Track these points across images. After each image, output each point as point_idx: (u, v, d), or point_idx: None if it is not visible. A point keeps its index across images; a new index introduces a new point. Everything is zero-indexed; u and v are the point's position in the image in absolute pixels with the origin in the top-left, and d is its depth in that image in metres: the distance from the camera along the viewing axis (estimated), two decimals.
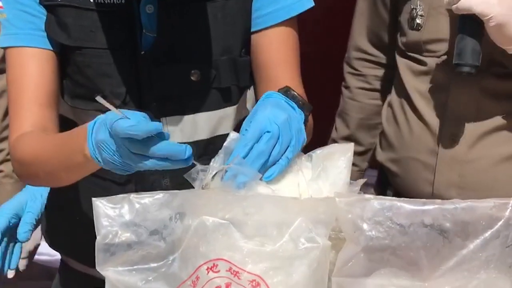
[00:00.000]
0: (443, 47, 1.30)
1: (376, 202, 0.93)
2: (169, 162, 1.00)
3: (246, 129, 1.06)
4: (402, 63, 1.38)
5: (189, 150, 1.00)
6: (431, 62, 1.33)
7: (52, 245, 1.45)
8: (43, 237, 1.52)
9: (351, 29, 1.57)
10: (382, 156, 1.44)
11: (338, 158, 1.07)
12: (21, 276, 1.61)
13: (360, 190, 1.05)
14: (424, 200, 0.93)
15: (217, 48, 1.27)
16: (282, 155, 1.06)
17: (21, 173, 1.29)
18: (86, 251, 1.24)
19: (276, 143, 1.05)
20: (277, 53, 1.31)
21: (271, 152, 1.04)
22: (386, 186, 1.50)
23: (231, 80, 1.29)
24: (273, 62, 1.32)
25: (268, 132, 1.04)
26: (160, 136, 0.99)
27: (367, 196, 0.95)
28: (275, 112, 1.06)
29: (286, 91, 1.12)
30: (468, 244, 0.93)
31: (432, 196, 1.33)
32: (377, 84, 1.55)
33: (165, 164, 1.00)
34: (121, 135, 0.98)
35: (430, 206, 0.92)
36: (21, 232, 1.49)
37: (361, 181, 1.07)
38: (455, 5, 1.16)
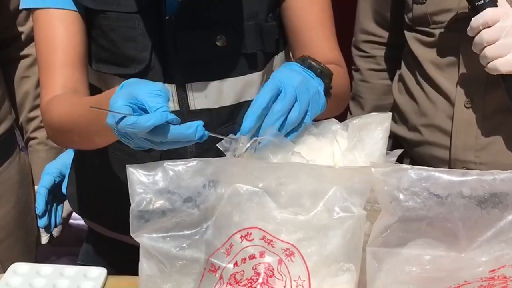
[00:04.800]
0: (449, 17, 1.30)
1: (413, 172, 0.92)
2: (182, 144, 0.98)
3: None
4: (411, 37, 1.39)
5: (199, 131, 0.97)
6: (438, 32, 1.33)
7: (79, 212, 1.46)
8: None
9: (357, 12, 1.57)
10: (396, 127, 1.44)
11: (375, 128, 1.06)
12: (55, 241, 1.63)
13: None
14: (462, 170, 0.91)
15: (243, 13, 1.25)
16: (303, 117, 1.03)
17: (54, 136, 1.28)
18: (113, 217, 1.24)
19: (295, 103, 1.02)
20: (309, 15, 1.29)
21: (289, 111, 1.02)
22: (401, 156, 1.51)
23: (256, 45, 1.28)
24: (306, 25, 1.29)
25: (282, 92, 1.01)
26: (170, 122, 0.96)
27: (404, 166, 0.93)
28: (290, 74, 1.03)
29: (303, 60, 1.09)
30: (507, 215, 0.92)
31: (450, 161, 1.33)
32: (386, 64, 1.56)
33: (178, 145, 0.98)
34: (122, 132, 0.97)
35: (469, 177, 0.91)
36: (65, 186, 1.51)
37: (398, 151, 1.06)
38: (488, 67, 1.20)
